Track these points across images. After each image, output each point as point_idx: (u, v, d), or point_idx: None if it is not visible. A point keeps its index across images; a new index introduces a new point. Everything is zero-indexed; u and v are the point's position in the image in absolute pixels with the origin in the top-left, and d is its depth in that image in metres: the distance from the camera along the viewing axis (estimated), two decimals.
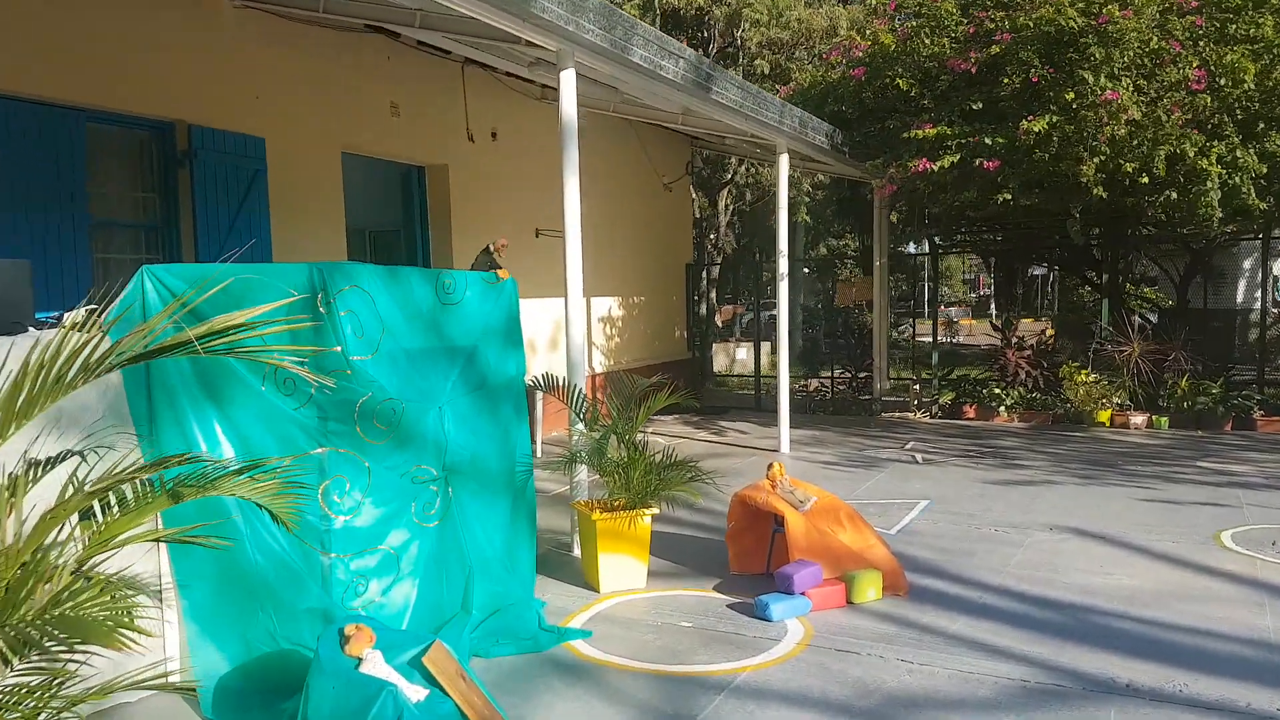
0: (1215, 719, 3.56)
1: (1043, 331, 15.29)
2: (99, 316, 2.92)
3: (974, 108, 9.22)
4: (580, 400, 5.59)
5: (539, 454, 9.60)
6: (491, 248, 5.57)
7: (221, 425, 3.89)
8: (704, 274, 17.66)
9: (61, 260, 6.24)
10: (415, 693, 3.18)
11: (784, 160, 9.39)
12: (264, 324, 2.93)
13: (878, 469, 8.83)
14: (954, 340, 22.85)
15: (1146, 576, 5.30)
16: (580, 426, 5.64)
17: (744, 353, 20.27)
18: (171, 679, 3.49)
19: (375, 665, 3.19)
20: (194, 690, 3.45)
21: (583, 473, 5.72)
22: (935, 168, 8.94)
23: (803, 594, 4.87)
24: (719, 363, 19.21)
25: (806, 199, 20.47)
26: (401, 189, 10.01)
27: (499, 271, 5.05)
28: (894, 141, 10.05)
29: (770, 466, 5.60)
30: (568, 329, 6.01)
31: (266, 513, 3.10)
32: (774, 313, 29.55)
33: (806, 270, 21.10)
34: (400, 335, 4.38)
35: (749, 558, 5.61)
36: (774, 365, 16.35)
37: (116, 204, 6.84)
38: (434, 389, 4.54)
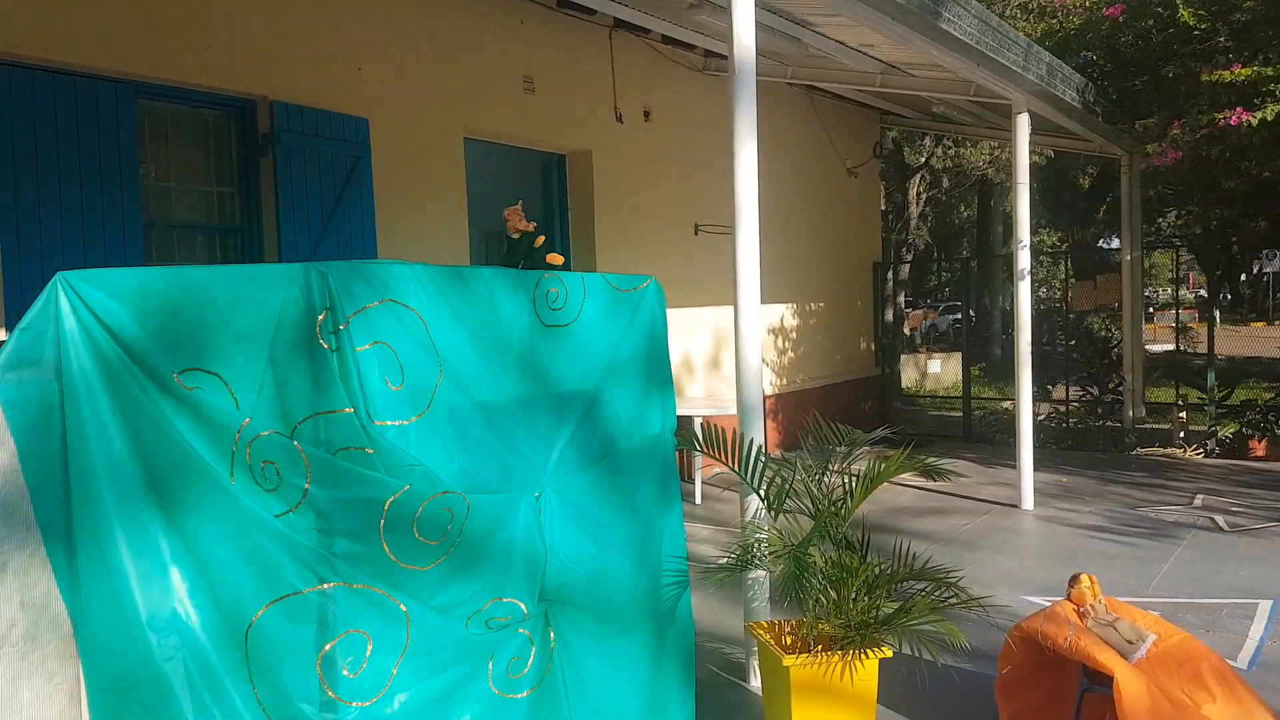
0: None
1: None
2: None
3: None
4: (760, 466, 3.68)
5: (698, 499, 7.76)
6: (510, 235, 3.58)
7: (168, 540, 2.29)
8: (889, 274, 15.26)
9: None
10: None
11: (1023, 123, 7.12)
12: None
13: (1168, 539, 6.39)
14: (1188, 350, 19.19)
15: None
16: (758, 507, 3.75)
17: (936, 365, 17.67)
18: None
19: None
20: None
21: (761, 576, 3.82)
22: (1254, 120, 6.41)
23: None
24: (906, 377, 16.72)
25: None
26: (541, 182, 8.47)
27: (550, 257, 3.22)
28: (1172, 95, 7.53)
29: (1075, 581, 3.50)
30: (739, 353, 4.14)
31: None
32: (957, 317, 26.36)
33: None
34: (471, 379, 2.66)
35: None
36: (973, 382, 13.88)
37: (179, 201, 5.58)
38: (528, 466, 2.79)
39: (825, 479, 3.64)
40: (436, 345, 2.55)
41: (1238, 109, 6.48)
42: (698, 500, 7.77)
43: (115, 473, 2.27)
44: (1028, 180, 7.19)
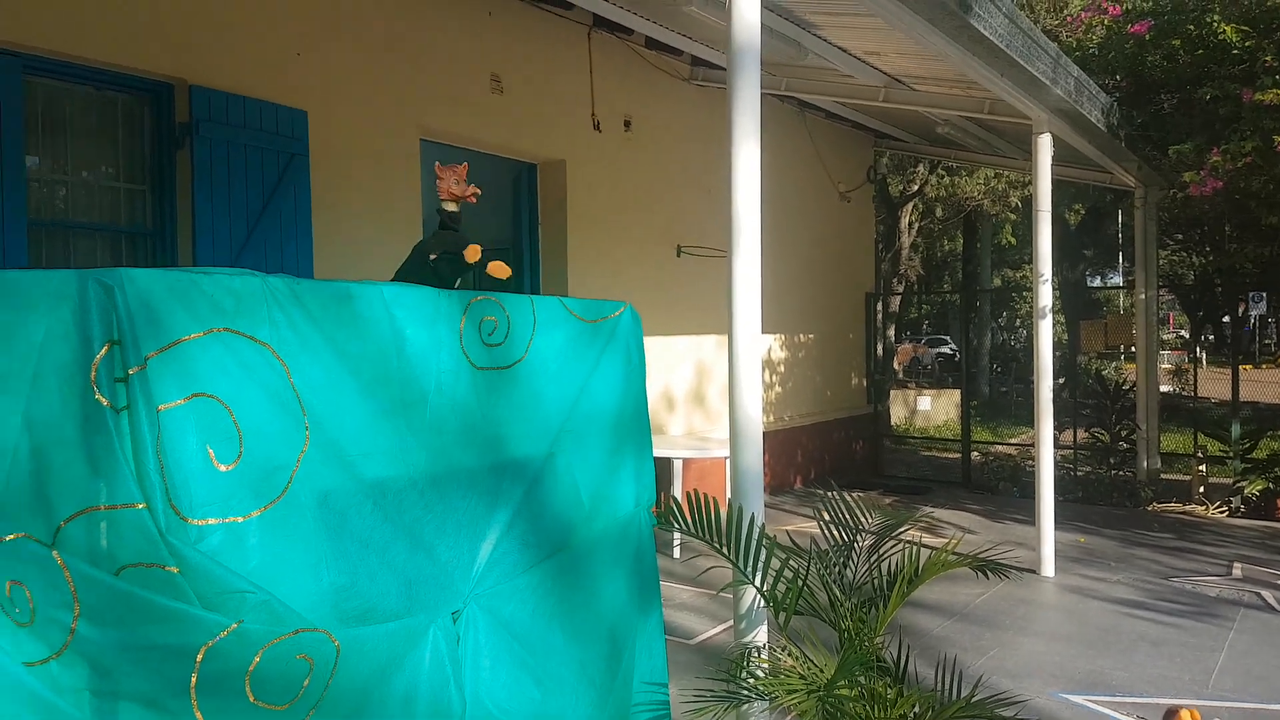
0: None
1: None
2: None
3: None
4: (763, 553, 2.84)
5: (676, 554, 6.89)
6: (443, 205, 2.41)
7: None
8: (879, 305, 14.54)
9: None
10: None
11: (1045, 144, 6.40)
12: None
13: (1216, 620, 5.58)
14: (1187, 393, 18.50)
15: None
16: (753, 601, 2.90)
17: (926, 402, 16.95)
18: None
19: None
20: None
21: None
22: None
23: None
24: (895, 414, 15.95)
25: (1013, 216, 17.00)
26: (510, 194, 7.65)
27: (493, 267, 2.34)
28: (1207, 119, 6.87)
29: (1174, 719, 2.68)
30: (735, 408, 3.30)
31: None
32: (943, 350, 26.03)
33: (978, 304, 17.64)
34: (358, 447, 1.81)
35: None
36: (964, 420, 13.08)
37: (77, 199, 4.70)
38: (444, 573, 1.93)
39: (849, 572, 2.82)
40: (303, 398, 1.70)
41: None
42: (676, 555, 6.91)
43: None
44: (1049, 208, 6.46)
